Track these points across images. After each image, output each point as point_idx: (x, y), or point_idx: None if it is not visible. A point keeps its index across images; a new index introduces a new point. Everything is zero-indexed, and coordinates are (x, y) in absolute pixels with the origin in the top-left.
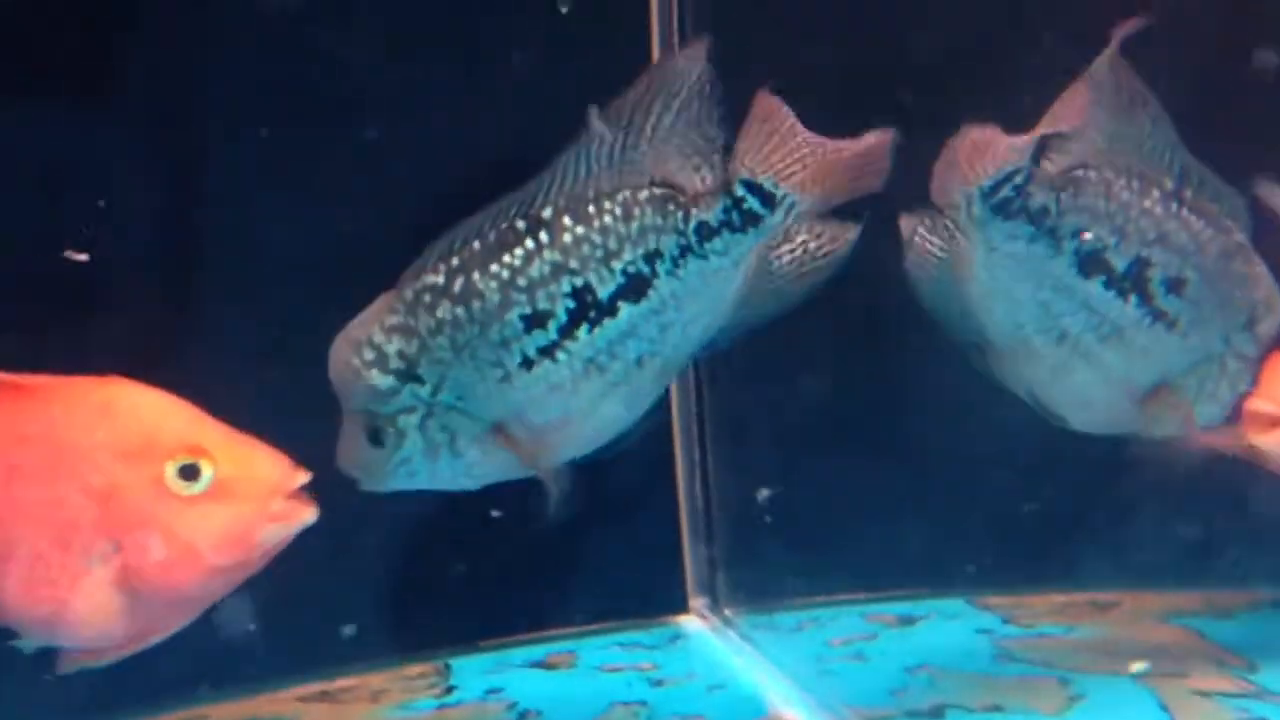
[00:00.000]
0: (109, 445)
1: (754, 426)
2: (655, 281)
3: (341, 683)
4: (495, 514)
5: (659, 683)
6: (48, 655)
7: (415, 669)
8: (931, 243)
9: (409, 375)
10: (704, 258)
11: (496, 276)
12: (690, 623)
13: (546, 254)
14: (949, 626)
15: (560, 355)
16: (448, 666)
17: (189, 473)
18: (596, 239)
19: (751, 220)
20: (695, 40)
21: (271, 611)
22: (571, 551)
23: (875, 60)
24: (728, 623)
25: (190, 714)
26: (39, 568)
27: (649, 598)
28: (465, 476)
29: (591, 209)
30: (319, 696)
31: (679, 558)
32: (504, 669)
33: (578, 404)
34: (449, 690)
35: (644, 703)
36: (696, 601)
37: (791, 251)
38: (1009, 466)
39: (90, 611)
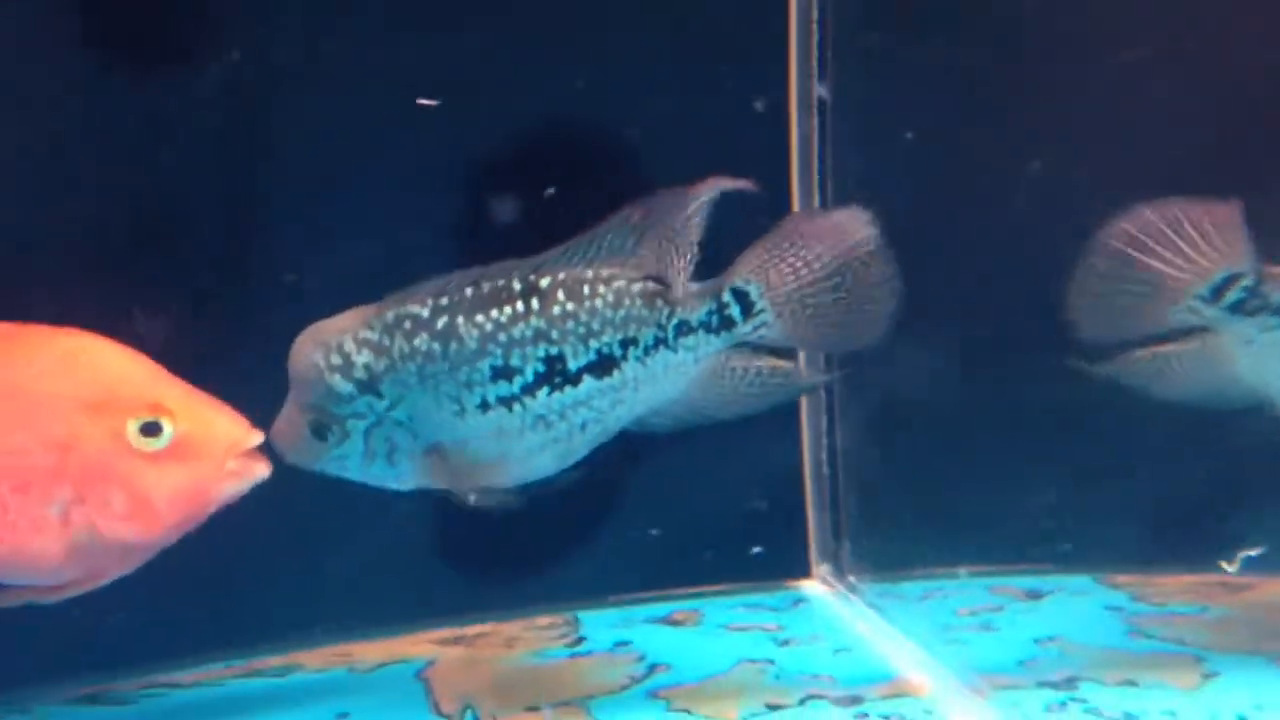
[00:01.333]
0: (72, 396)
1: (884, 396)
2: (623, 364)
3: (475, 629)
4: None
5: (785, 643)
6: None
7: (545, 619)
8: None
9: (369, 388)
10: (674, 351)
11: (480, 326)
12: (813, 588)
13: (533, 320)
14: (1077, 602)
15: (516, 407)
16: (576, 618)
17: (150, 429)
18: (583, 318)
19: (727, 325)
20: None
21: (411, 559)
22: (696, 513)
23: None
24: (852, 589)
25: (337, 650)
26: None
27: (772, 562)
28: (393, 481)
29: (587, 289)
30: (454, 640)
31: (803, 524)
32: (631, 624)
33: (517, 450)
34: (579, 641)
35: (771, 661)
36: (820, 568)
37: (746, 371)
38: (1140, 446)
39: (45, 556)
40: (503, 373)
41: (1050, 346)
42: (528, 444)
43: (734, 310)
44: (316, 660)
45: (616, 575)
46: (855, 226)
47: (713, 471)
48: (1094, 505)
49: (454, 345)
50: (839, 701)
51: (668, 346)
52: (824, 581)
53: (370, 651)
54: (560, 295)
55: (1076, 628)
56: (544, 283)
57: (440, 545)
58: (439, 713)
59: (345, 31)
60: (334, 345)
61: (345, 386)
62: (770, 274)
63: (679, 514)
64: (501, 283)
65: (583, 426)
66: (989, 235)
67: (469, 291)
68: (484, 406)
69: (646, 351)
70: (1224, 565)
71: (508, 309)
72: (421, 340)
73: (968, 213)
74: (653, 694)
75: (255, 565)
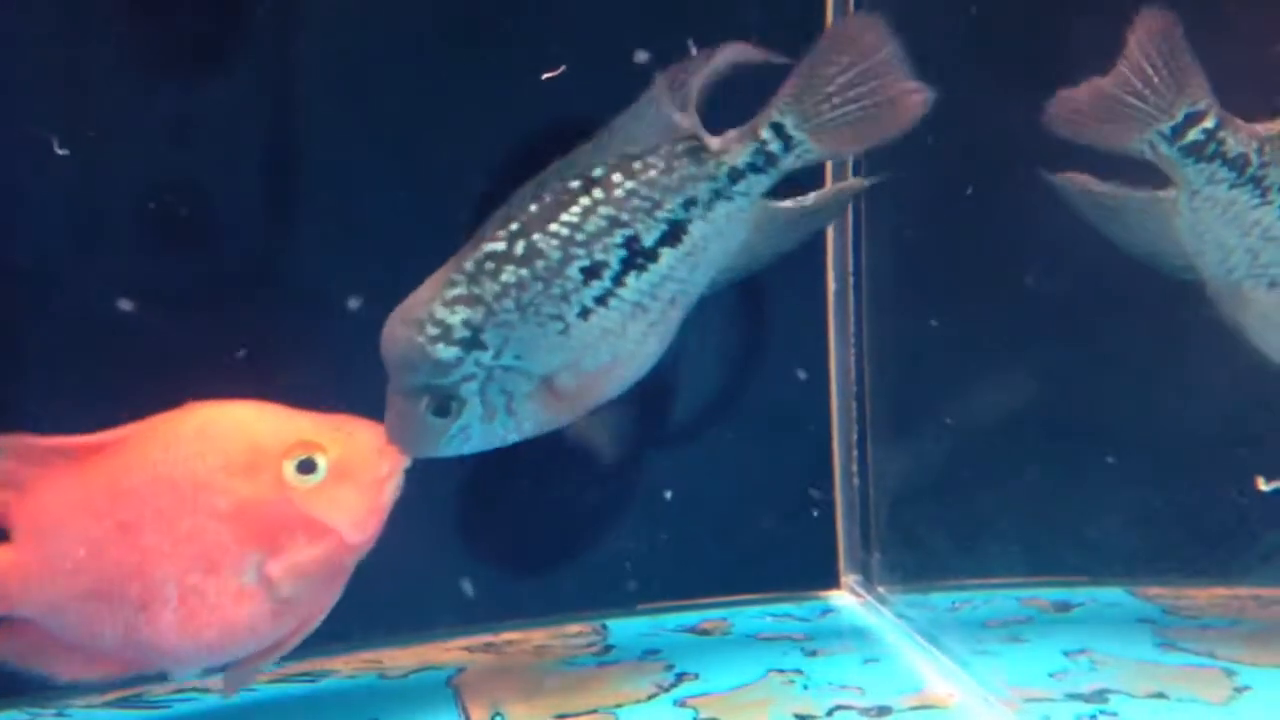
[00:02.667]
0: (221, 466)
1: (914, 408)
2: (690, 226)
3: (506, 635)
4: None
5: (813, 653)
6: None
7: (574, 627)
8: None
9: (473, 343)
10: (730, 199)
11: (556, 235)
12: (841, 598)
13: (601, 209)
14: (1108, 614)
15: (613, 302)
16: (605, 627)
17: (306, 467)
18: (644, 191)
19: (772, 161)
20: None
21: (441, 565)
22: (724, 522)
23: None
24: (881, 600)
25: (368, 656)
26: (193, 599)
27: (800, 572)
28: (514, 433)
29: (638, 165)
30: (484, 648)
31: (832, 534)
32: (659, 632)
33: (625, 346)
34: (607, 649)
35: (800, 671)
36: (848, 578)
37: (795, 202)
38: (1171, 459)
39: (258, 622)
40: (591, 271)
41: (1084, 355)
42: (632, 336)
43: (775, 145)
44: (347, 666)
45: (645, 584)
46: (865, 31)
47: (742, 480)
48: (1126, 517)
49: (540, 263)
50: (867, 712)
51: (724, 197)
52: (852, 592)
53: (401, 658)
54: (616, 178)
55: (1107, 640)
56: (597, 172)
57: (470, 552)
58: (469, 718)
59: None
60: (426, 317)
61: (449, 352)
62: (803, 103)
63: (708, 522)
64: (559, 187)
65: (673, 301)
66: (1019, 244)
67: (533, 208)
68: (585, 314)
69: (707, 207)
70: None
71: (575, 208)
72: (509, 272)
73: (999, 221)
74: (681, 703)
75: None
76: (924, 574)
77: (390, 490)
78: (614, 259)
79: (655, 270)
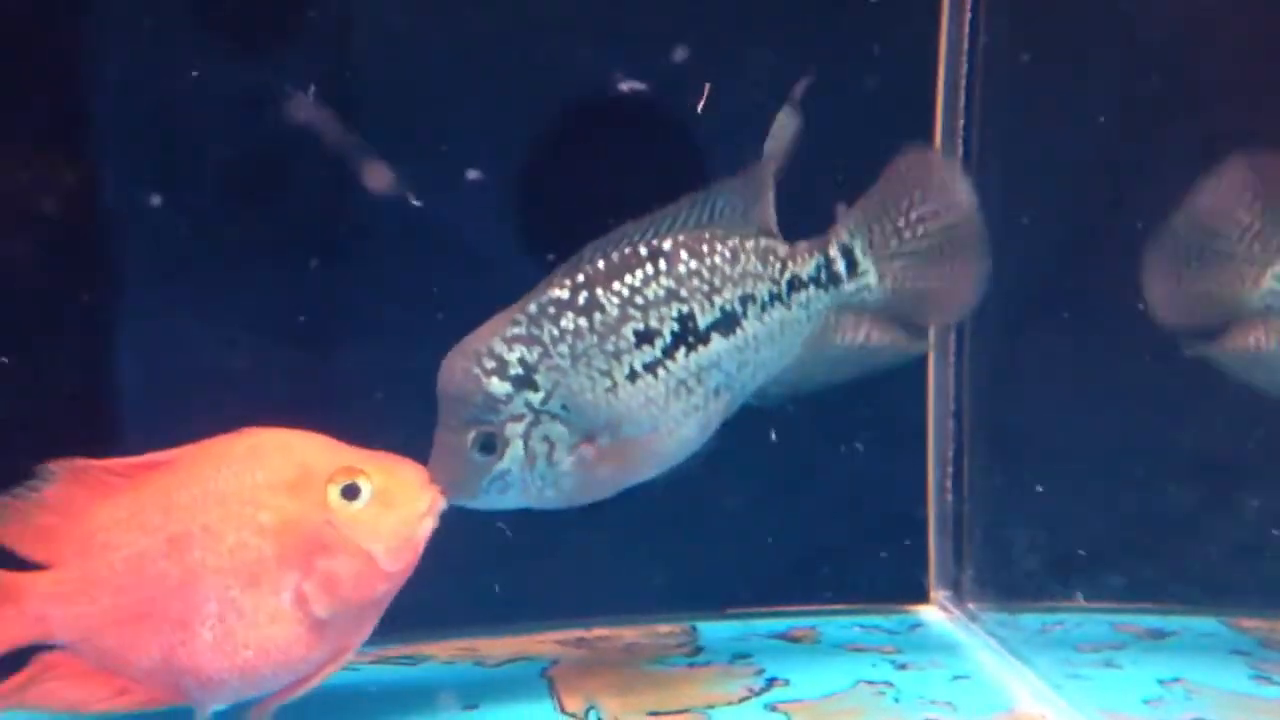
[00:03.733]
0: (269, 484)
1: (1013, 428)
2: (744, 322)
3: (597, 631)
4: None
5: (902, 666)
6: None
7: (664, 628)
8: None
9: (525, 382)
10: (788, 308)
11: (618, 294)
12: (930, 613)
13: (663, 280)
14: (1202, 644)
15: (660, 372)
16: (694, 629)
17: (350, 492)
18: (706, 275)
19: (834, 281)
20: None
21: (536, 560)
22: (816, 531)
23: None
24: (972, 618)
25: (464, 644)
26: (231, 616)
27: (889, 585)
28: (552, 488)
29: (705, 248)
30: (576, 642)
31: (924, 549)
32: (748, 637)
33: (665, 420)
34: (697, 650)
35: (890, 683)
36: (938, 594)
37: (855, 337)
38: (1274, 492)
39: (291, 644)
40: (645, 337)
41: (1186, 381)
42: (673, 413)
43: (840, 266)
44: (444, 653)
45: (734, 589)
46: (956, 191)
47: (835, 491)
48: (1224, 548)
49: (599, 316)
50: None
51: (783, 303)
52: (941, 608)
53: (496, 647)
54: (683, 255)
55: (1202, 670)
56: (666, 245)
57: (564, 547)
58: (564, 710)
59: None
60: (484, 351)
61: (502, 388)
62: (873, 231)
63: (800, 531)
64: (628, 249)
65: (716, 392)
66: (1128, 269)
67: (601, 264)
68: (633, 376)
69: (764, 308)
70: None
71: (639, 272)
72: (568, 319)
73: (1109, 245)
74: (772, 707)
75: None
76: (1016, 593)
77: (428, 526)
78: (667, 331)
79: (704, 353)
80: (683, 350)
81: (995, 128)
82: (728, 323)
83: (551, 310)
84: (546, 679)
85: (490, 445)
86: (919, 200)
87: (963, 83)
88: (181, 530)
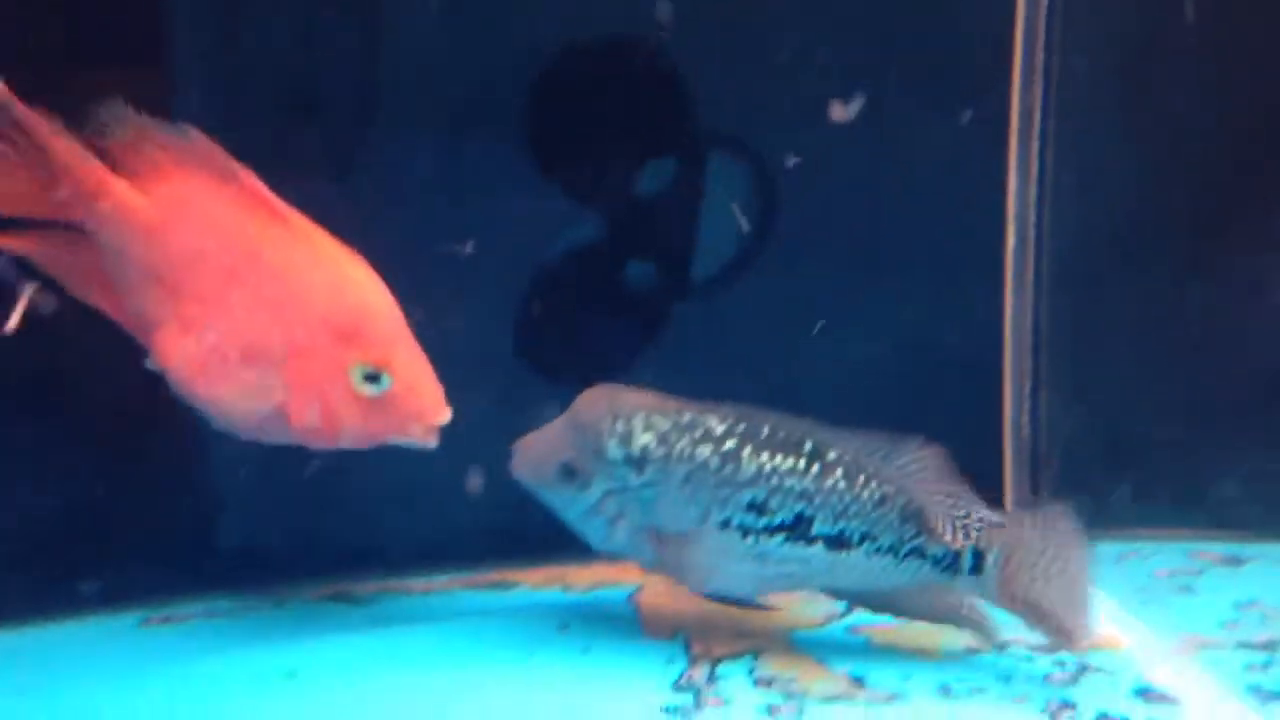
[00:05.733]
0: (324, 317)
1: (1090, 359)
2: (853, 550)
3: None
4: None
5: None
6: None
7: None
8: None
9: (635, 463)
10: (898, 562)
11: (759, 465)
12: None
13: (807, 480)
14: (1278, 569)
15: (749, 539)
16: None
17: (372, 379)
18: (846, 499)
19: (952, 570)
20: None
21: None
22: None
23: None
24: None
25: (553, 571)
26: (215, 360)
27: None
28: (595, 540)
29: (862, 479)
30: None
31: (999, 481)
32: None
33: (728, 569)
34: None
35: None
36: None
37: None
38: None
39: (235, 413)
40: (757, 508)
41: (1268, 312)
42: (737, 569)
43: (965, 564)
44: (533, 579)
45: None
46: (1075, 538)
47: (909, 423)
48: None
49: (729, 468)
50: (1037, 649)
51: (895, 557)
52: None
53: (582, 575)
54: (839, 472)
55: (1278, 594)
56: (831, 455)
57: None
58: (651, 632)
59: None
60: (624, 415)
61: (616, 452)
62: (1012, 558)
63: None
64: (797, 437)
65: (790, 575)
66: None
67: (765, 430)
68: (724, 525)
69: (878, 551)
70: None
71: (790, 460)
72: (704, 450)
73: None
74: (853, 629)
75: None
76: (1091, 523)
77: (398, 440)
78: (780, 517)
79: (799, 551)
80: (781, 537)
81: (1078, 76)
82: (837, 542)
83: (698, 433)
84: (633, 604)
85: (571, 476)
86: (1058, 556)
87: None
88: (244, 274)
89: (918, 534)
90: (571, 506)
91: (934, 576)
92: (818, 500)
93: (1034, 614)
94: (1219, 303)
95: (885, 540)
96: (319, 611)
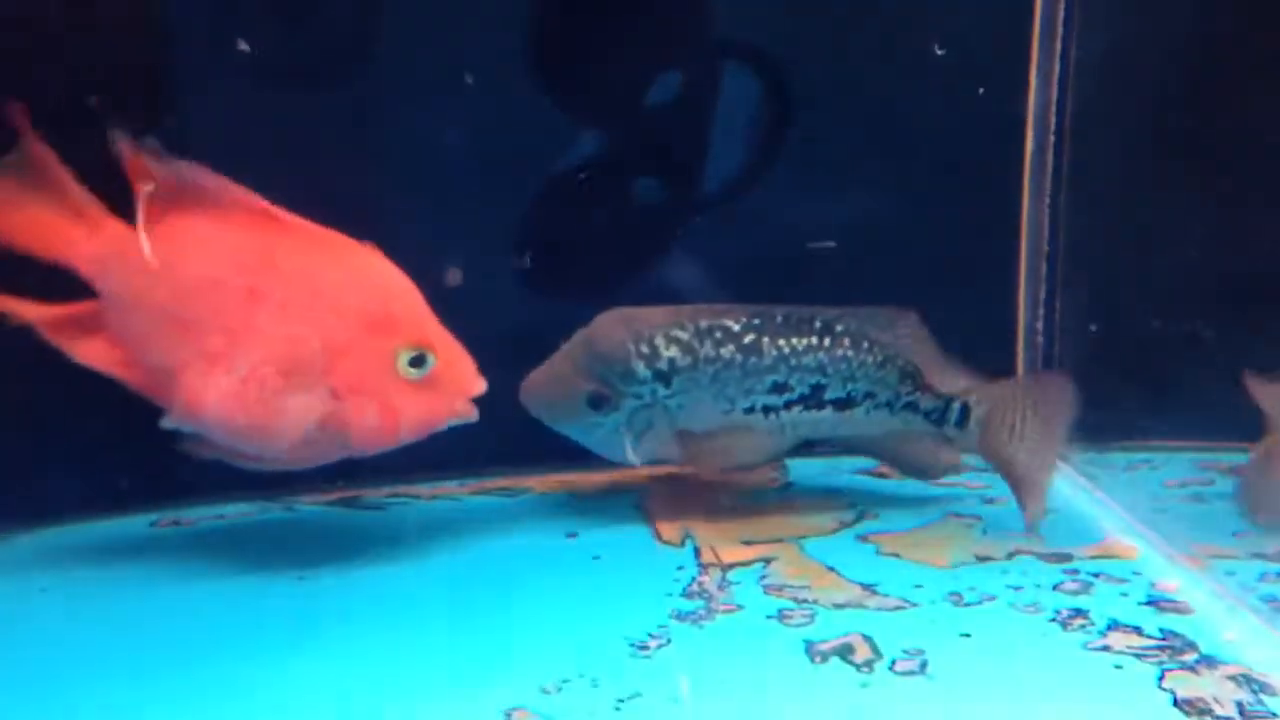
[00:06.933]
0: (359, 310)
1: (1105, 269)
2: (855, 408)
3: (688, 468)
4: None
5: (990, 500)
6: None
7: None
8: None
9: (664, 377)
10: (892, 414)
11: (779, 348)
12: None
13: (819, 354)
14: None
15: (771, 416)
16: (784, 465)
17: (418, 361)
18: (854, 364)
19: (940, 420)
20: None
21: None
22: None
23: None
24: (1060, 457)
25: (569, 477)
26: (254, 384)
27: None
28: (622, 453)
29: (866, 344)
30: (669, 478)
31: None
32: (837, 473)
33: (750, 445)
34: (787, 486)
35: (978, 517)
36: None
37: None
38: None
39: (279, 437)
40: (779, 388)
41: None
42: (759, 442)
43: (953, 415)
44: (541, 486)
45: None
46: (1067, 400)
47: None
48: None
49: (753, 359)
50: (1047, 559)
51: (891, 411)
52: None
53: (590, 481)
54: (846, 342)
55: None
56: (839, 328)
57: None
58: (661, 539)
59: None
60: (645, 335)
61: (645, 372)
62: (996, 413)
63: None
64: (807, 317)
65: (800, 436)
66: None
67: (779, 318)
68: (750, 410)
69: (876, 407)
70: None
71: (804, 340)
72: (728, 350)
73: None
74: (862, 538)
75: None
76: (1103, 434)
77: (448, 421)
78: (798, 391)
79: (814, 415)
80: (800, 408)
81: None
82: (845, 402)
83: (718, 335)
84: (642, 510)
85: (600, 404)
86: (1043, 413)
87: None
88: (265, 290)
89: (914, 390)
90: (595, 430)
91: (924, 427)
92: (830, 370)
93: (1007, 471)
94: (1237, 211)
95: (884, 396)
96: (328, 517)
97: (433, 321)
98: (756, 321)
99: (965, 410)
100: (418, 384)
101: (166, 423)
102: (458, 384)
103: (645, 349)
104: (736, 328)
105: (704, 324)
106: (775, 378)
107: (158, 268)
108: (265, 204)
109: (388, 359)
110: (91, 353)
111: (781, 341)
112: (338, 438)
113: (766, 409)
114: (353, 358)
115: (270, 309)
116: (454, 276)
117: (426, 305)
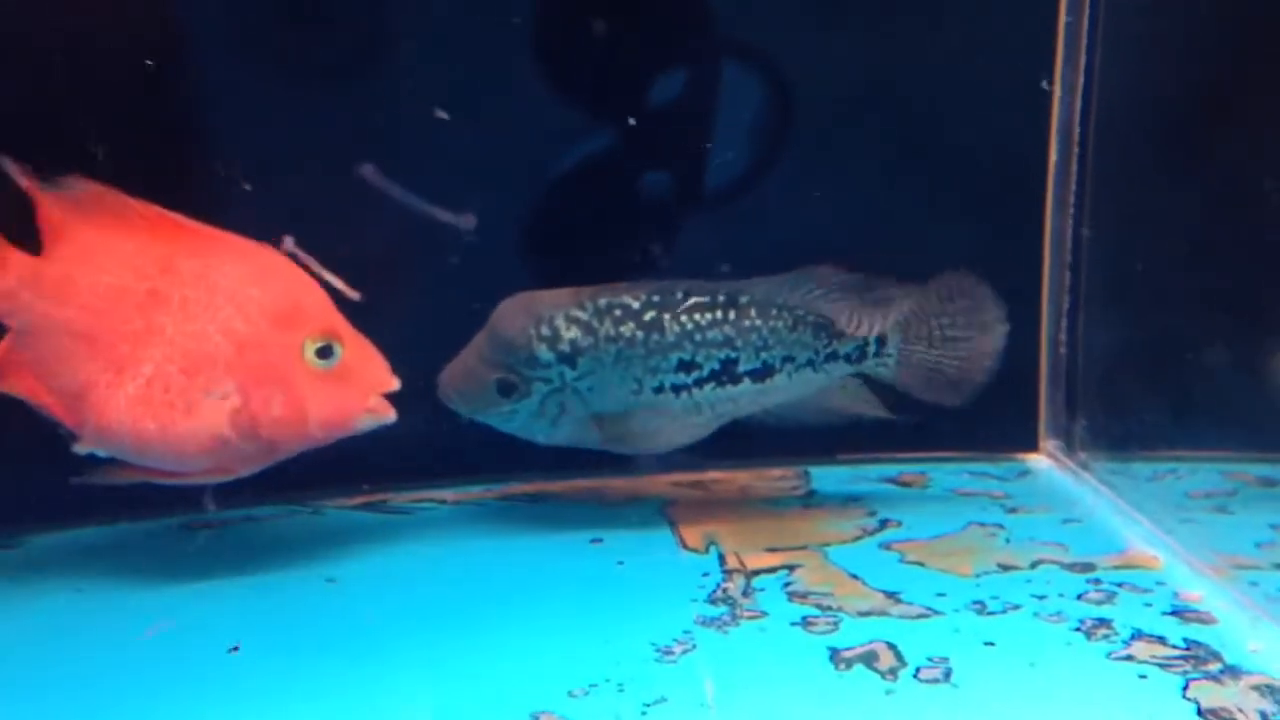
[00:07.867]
0: (260, 303)
1: (1127, 277)
2: (777, 375)
3: (711, 474)
4: None
5: (1013, 510)
6: None
7: (777, 471)
8: None
9: (568, 359)
10: (816, 371)
11: (681, 325)
12: (1039, 462)
13: (725, 327)
14: None
15: (683, 395)
16: (807, 473)
17: (324, 352)
18: (764, 333)
19: (860, 359)
20: None
21: None
22: None
23: None
24: (1082, 466)
25: (593, 483)
26: (158, 387)
27: (999, 435)
28: (545, 438)
29: (774, 311)
30: (691, 485)
31: (1034, 399)
32: (859, 481)
33: (667, 427)
34: (810, 493)
35: (1001, 526)
36: (1048, 443)
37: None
38: None
39: (191, 439)
40: (686, 366)
41: None
42: (677, 424)
43: (871, 349)
44: (567, 491)
45: (845, 435)
46: (989, 311)
47: None
48: None
49: (655, 337)
50: (1071, 568)
51: (814, 369)
52: (1051, 457)
53: (616, 488)
54: (753, 312)
55: None
56: (743, 299)
57: None
58: (685, 546)
59: None
60: (545, 318)
61: (547, 355)
62: (910, 329)
63: None
64: (709, 290)
65: (721, 415)
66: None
67: (679, 294)
68: (659, 390)
69: (798, 368)
70: None
71: (708, 315)
72: (628, 328)
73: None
74: (885, 546)
75: None
76: (1127, 443)
77: (364, 420)
78: (708, 367)
79: (730, 391)
80: (713, 385)
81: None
82: (762, 372)
83: (618, 313)
84: (666, 517)
85: (509, 390)
86: (954, 314)
87: None
88: (165, 291)
89: (829, 340)
90: (513, 418)
91: (846, 369)
92: (739, 342)
93: (937, 378)
94: (1264, 221)
95: (803, 357)
96: (356, 520)
97: (340, 316)
98: (656, 298)
99: (881, 338)
100: (327, 376)
101: (79, 448)
102: (368, 378)
103: (546, 331)
104: (636, 305)
105: (603, 302)
106: (681, 355)
107: (63, 285)
108: (163, 211)
109: (294, 351)
110: (17, 385)
111: (685, 318)
112: (250, 435)
113: (676, 388)
114: (258, 351)
115: (171, 309)
116: (468, 220)
117: (336, 309)
